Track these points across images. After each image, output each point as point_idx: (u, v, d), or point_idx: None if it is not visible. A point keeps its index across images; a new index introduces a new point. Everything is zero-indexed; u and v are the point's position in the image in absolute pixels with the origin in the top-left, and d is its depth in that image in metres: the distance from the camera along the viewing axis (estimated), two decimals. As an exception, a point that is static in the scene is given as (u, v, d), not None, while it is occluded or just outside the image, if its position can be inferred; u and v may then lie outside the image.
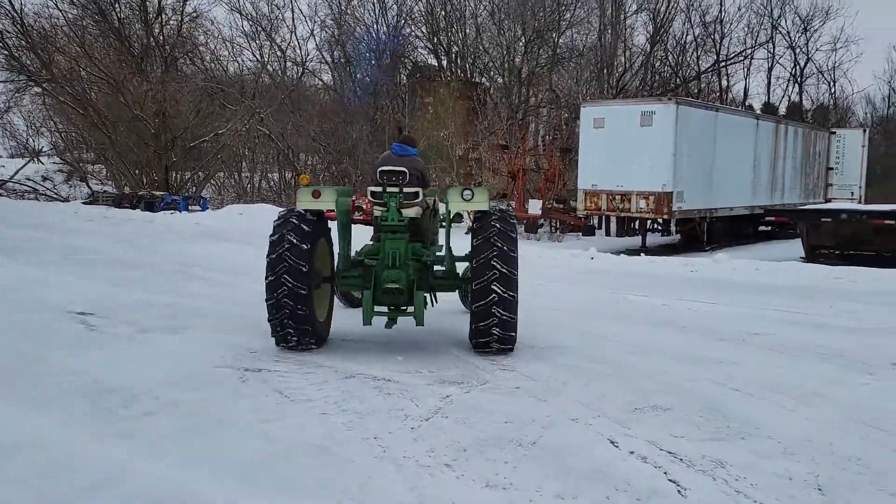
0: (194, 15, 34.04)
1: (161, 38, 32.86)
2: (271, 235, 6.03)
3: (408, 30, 38.31)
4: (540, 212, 20.86)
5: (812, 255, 15.86)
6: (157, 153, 28.78)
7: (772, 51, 39.55)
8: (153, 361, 5.77)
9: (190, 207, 24.76)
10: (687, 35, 38.60)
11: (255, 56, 37.05)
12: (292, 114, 31.90)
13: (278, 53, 36.80)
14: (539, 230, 22.03)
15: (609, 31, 35.92)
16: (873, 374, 5.74)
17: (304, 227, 5.94)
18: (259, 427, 4.32)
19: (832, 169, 26.68)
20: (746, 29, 39.92)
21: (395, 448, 3.99)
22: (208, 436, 4.18)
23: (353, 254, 6.86)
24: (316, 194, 6.07)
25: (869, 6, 56.84)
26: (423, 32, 38.20)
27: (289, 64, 37.23)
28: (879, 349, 6.64)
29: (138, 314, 7.54)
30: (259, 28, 36.29)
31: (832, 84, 40.14)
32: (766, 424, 4.38)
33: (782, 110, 38.20)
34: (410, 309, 6.23)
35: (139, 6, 31.67)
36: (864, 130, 28.68)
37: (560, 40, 34.60)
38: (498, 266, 5.70)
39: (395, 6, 37.81)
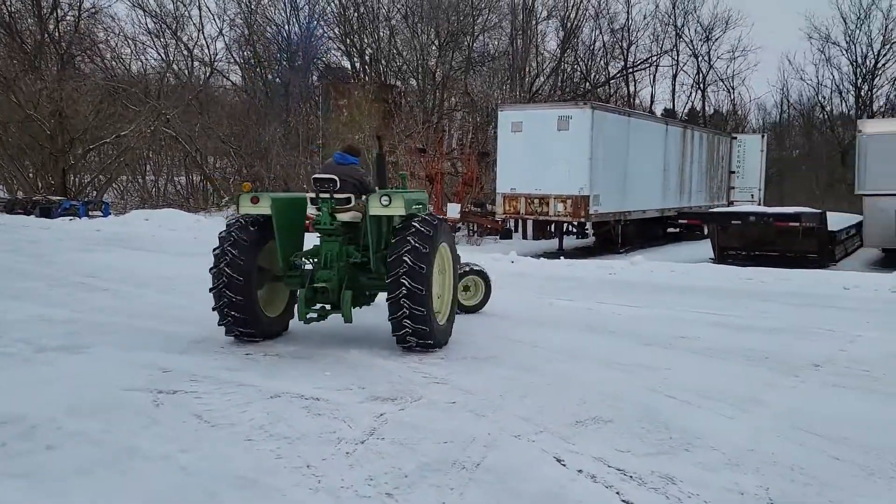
0: (93, 11, 32.34)
1: (57, 34, 30.97)
2: (221, 232, 6.65)
3: (320, 31, 37.66)
4: (458, 215, 20.78)
5: (721, 256, 16.40)
6: (54, 155, 27.07)
7: (676, 58, 41.08)
8: (53, 385, 5.24)
9: (90, 213, 23.39)
10: (596, 41, 39.61)
11: (159, 55, 35.52)
12: (200, 115, 30.73)
13: (185, 52, 35.44)
14: (457, 234, 21.98)
15: (520, 36, 36.39)
16: (798, 376, 5.83)
17: (250, 227, 6.57)
18: (177, 458, 3.93)
19: (734, 172, 27.81)
20: (652, 37, 41.33)
21: (331, 477, 3.69)
22: (119, 470, 3.76)
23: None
24: (254, 200, 6.60)
25: (764, 18, 60.17)
26: (335, 34, 37.65)
27: (196, 63, 35.91)
28: (800, 350, 6.80)
29: (34, 331, 6.91)
30: (164, 26, 34.80)
31: (732, 91, 42.05)
32: (708, 434, 4.32)
33: (685, 116, 39.64)
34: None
35: (32, 0, 29.77)
36: (763, 136, 30.08)
37: (474, 44, 34.77)
38: (408, 261, 6.02)
39: (306, 7, 37.09)
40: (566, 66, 38.75)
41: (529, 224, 21.53)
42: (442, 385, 5.49)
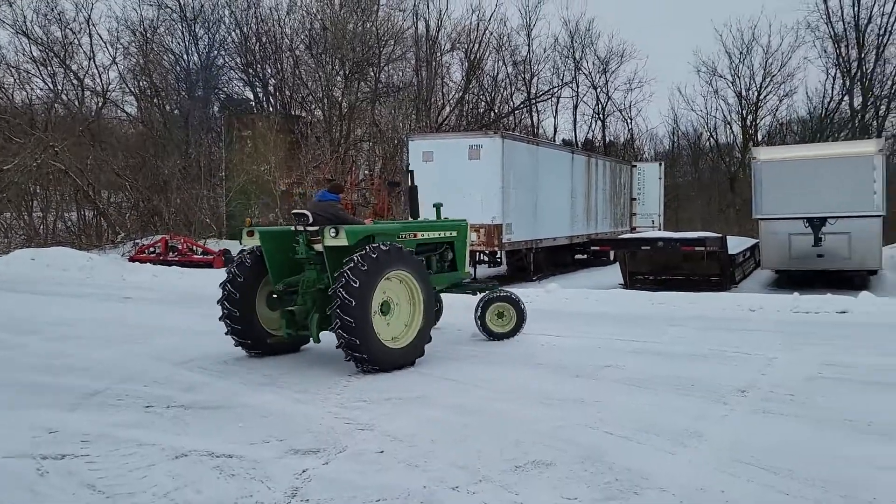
0: (-31, 38, 30.19)
1: (-71, 61, 28.74)
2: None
3: (221, 61, 36.61)
4: (370, 247, 20.38)
5: (631, 282, 16.67)
6: (-75, 192, 24.90)
7: (576, 89, 42.31)
8: (-87, 458, 4.51)
9: (-32, 253, 21.52)
10: (499, 73, 40.31)
11: (46, 84, 33.48)
12: (93, 147, 29.06)
13: (74, 82, 33.54)
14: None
15: (425, 67, 36.62)
16: (727, 403, 5.77)
17: (256, 254, 7.78)
18: (65, 541, 3.38)
19: (635, 199, 28.66)
20: (553, 69, 42.46)
21: (250, 552, 3.24)
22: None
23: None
24: (250, 234, 7.70)
25: (656, 52, 63.23)
26: (237, 63, 36.68)
27: (87, 93, 34.06)
28: (723, 376, 6.79)
29: None
30: (51, 54, 32.88)
31: (629, 121, 43.66)
32: (653, 473, 4.11)
33: (580, 145, 40.76)
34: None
35: None
36: (660, 164, 31.21)
37: (380, 75, 34.68)
38: (340, 293, 6.73)
39: (206, 36, 36.01)
40: (471, 96, 39.24)
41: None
42: (367, 432, 5.09)
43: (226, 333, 7.75)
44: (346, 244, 7.02)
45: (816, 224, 15.25)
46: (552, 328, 9.95)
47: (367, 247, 7.00)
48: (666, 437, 4.80)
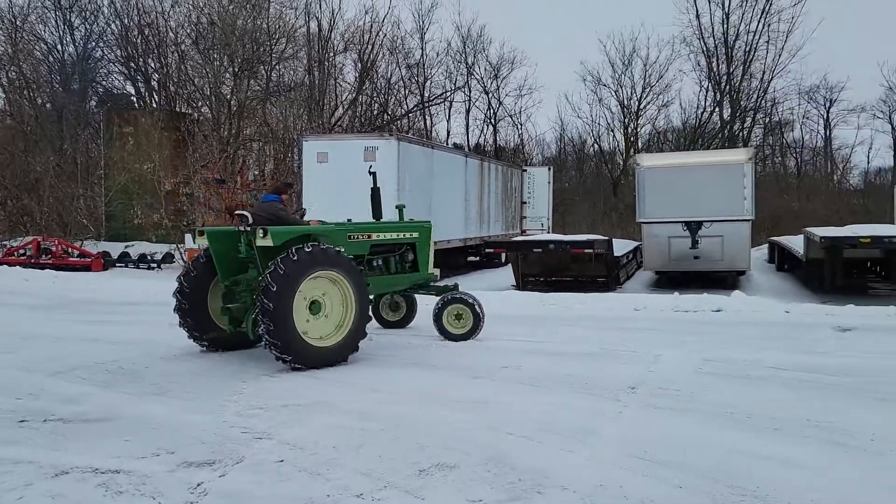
0: None
1: None
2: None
3: (99, 53, 34.60)
4: (262, 249, 19.82)
5: (523, 283, 17.05)
6: None
7: (468, 94, 42.92)
8: None
9: None
10: (393, 75, 40.30)
11: None
12: (-48, 141, 26.76)
13: (-70, 70, 30.80)
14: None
15: (318, 67, 36.06)
16: (620, 400, 5.98)
17: (205, 253, 8.13)
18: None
19: (525, 202, 29.37)
20: (446, 73, 42.92)
21: (143, 574, 3.05)
22: None
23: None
24: (200, 234, 8.03)
25: (546, 61, 65.14)
26: (117, 56, 34.78)
27: (-55, 83, 31.32)
28: (614, 373, 7.03)
29: None
30: None
31: (520, 126, 44.71)
32: (555, 472, 4.19)
33: (470, 148, 41.34)
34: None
35: None
36: (549, 168, 32.13)
37: (271, 74, 33.84)
38: (261, 298, 7.03)
39: (83, 26, 33.95)
40: (365, 98, 38.99)
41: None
42: (266, 440, 4.93)
43: (179, 325, 8.18)
44: (271, 244, 7.32)
45: (693, 227, 16.14)
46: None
47: (290, 249, 7.19)
48: (565, 436, 4.92)
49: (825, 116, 42.50)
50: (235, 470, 4.33)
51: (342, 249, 7.87)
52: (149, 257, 22.38)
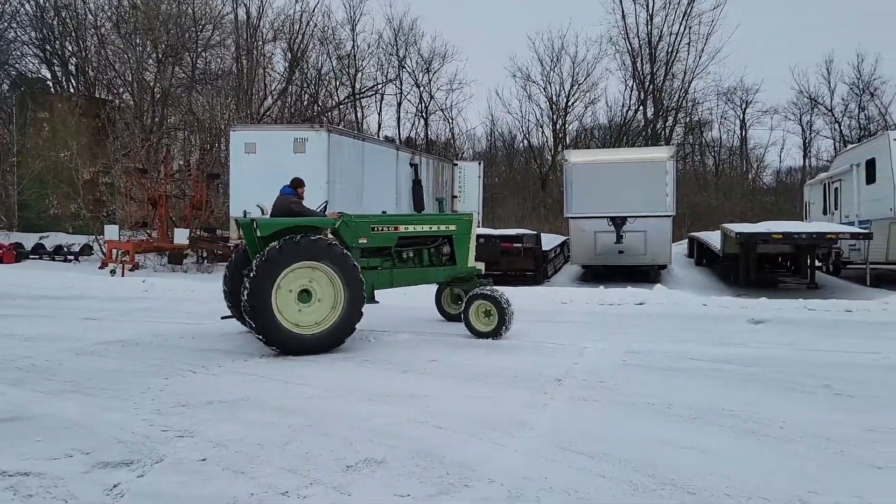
0: None
1: None
2: None
3: (12, 34, 32.84)
4: (186, 241, 19.28)
5: (454, 277, 17.10)
6: None
7: (400, 87, 42.77)
8: None
9: None
10: (323, 66, 39.76)
11: None
12: None
13: None
14: (185, 261, 20.39)
15: (246, 56, 35.24)
16: (547, 392, 6.09)
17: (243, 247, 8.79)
18: None
19: (456, 197, 29.49)
20: (377, 65, 42.65)
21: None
22: None
23: None
24: (236, 224, 8.99)
25: (477, 55, 65.48)
26: (32, 38, 33.10)
27: None
28: (541, 366, 7.15)
29: None
30: None
31: (451, 121, 44.83)
32: (483, 465, 4.23)
33: (401, 142, 41.27)
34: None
35: None
36: (480, 163, 32.34)
37: (197, 61, 32.85)
38: (244, 287, 7.52)
39: (-6, 4, 32.11)
40: (295, 89, 38.34)
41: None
42: (188, 439, 4.79)
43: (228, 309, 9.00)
44: (260, 235, 7.80)
45: (618, 223, 16.56)
46: (380, 324, 9.98)
47: (276, 242, 7.58)
48: (493, 429, 4.96)
49: (741, 117, 44.37)
50: (155, 470, 4.20)
51: (333, 241, 8.04)
52: (65, 249, 21.46)
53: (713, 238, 18.92)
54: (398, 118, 43.34)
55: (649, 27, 38.42)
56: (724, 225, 16.60)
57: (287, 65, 37.67)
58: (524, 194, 41.29)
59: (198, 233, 20.12)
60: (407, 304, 12.38)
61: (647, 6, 38.29)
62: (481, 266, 9.52)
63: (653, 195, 16.31)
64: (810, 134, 43.20)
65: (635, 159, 17.34)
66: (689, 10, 37.60)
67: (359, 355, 7.76)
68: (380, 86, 42.13)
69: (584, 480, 4.00)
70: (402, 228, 9.09)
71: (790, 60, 66.17)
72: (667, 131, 39.56)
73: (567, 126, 41.64)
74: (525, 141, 43.64)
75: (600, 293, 12.92)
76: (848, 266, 17.31)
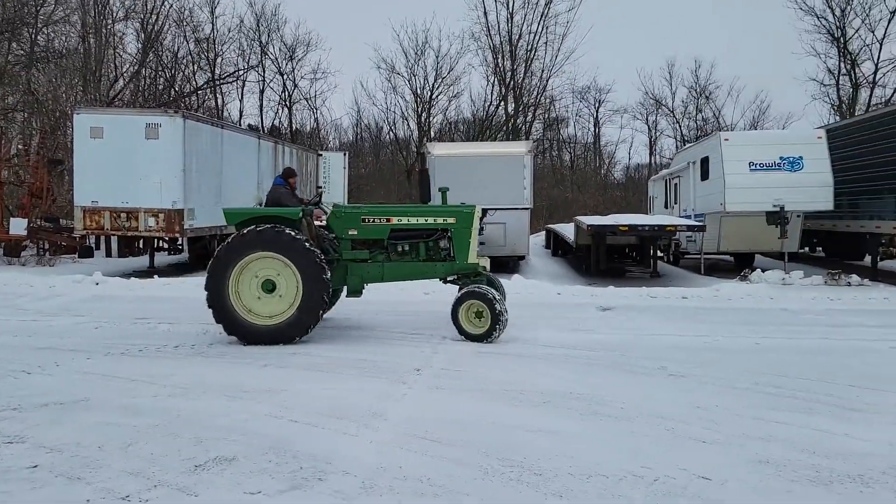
0: None
1: None
2: None
3: None
4: (25, 232, 17.79)
5: (318, 269, 16.89)
6: None
7: (262, 74, 41.49)
8: None
9: None
10: (180, 49, 37.86)
11: None
12: None
13: None
14: (24, 254, 18.80)
15: (94, 34, 32.91)
16: (406, 382, 6.15)
17: None
18: None
19: (321, 188, 29.07)
20: (239, 51, 41.12)
21: None
22: None
23: None
24: None
25: (342, 44, 64.63)
26: None
27: None
28: (402, 356, 7.23)
29: None
30: None
31: (315, 110, 44.04)
32: (338, 457, 4.22)
33: (266, 131, 40.16)
34: None
35: None
36: (345, 153, 32.06)
37: (37, 37, 30.27)
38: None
39: None
40: (149, 72, 36.25)
41: (114, 241, 19.48)
42: (17, 445, 4.45)
43: None
44: (226, 224, 8.20)
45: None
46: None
47: (240, 231, 7.84)
48: (350, 420, 4.96)
49: (595, 115, 46.77)
50: (-22, 480, 3.87)
51: (295, 233, 7.85)
52: None
53: (568, 230, 19.80)
54: (261, 106, 42.13)
55: (510, 25, 39.55)
56: (577, 217, 17.41)
57: (140, 46, 35.55)
58: (390, 186, 41.39)
59: (38, 223, 18.61)
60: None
61: (508, 4, 39.40)
62: (486, 262, 8.89)
63: (512, 188, 16.80)
64: (655, 133, 46.28)
65: (495, 153, 17.80)
66: (546, 11, 39.07)
67: (212, 351, 7.51)
68: (241, 72, 40.72)
69: (438, 467, 4.09)
70: (394, 220, 8.60)
71: (637, 63, 70.36)
72: (527, 126, 40.93)
73: (432, 119, 42.09)
74: (391, 133, 43.71)
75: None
76: (686, 256, 18.71)
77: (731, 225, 15.80)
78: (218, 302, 7.82)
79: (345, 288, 8.79)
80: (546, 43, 39.87)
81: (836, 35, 35.16)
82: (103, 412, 5.15)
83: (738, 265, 17.48)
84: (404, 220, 8.62)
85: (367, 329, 8.96)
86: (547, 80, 40.58)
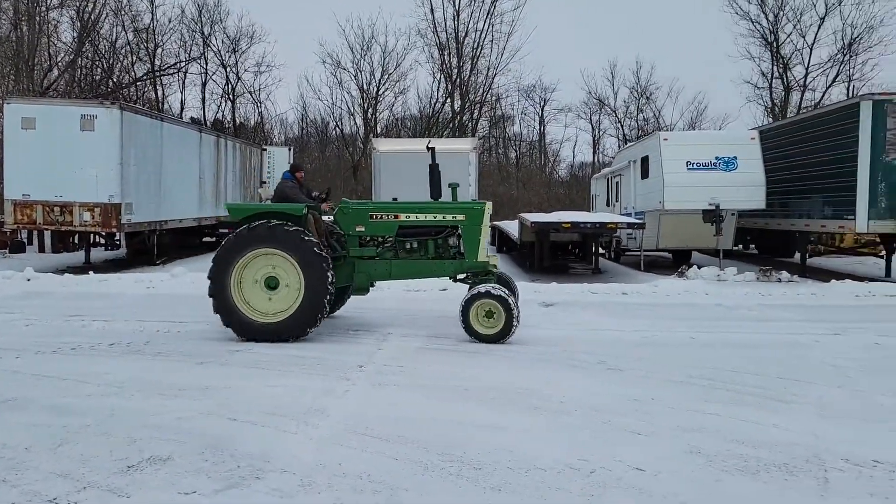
0: None
1: None
2: None
3: None
4: (-52, 227, 17.05)
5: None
6: None
7: (205, 66, 40.56)
8: None
9: None
10: (118, 39, 36.69)
11: None
12: None
13: None
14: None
15: (26, 22, 31.64)
16: (349, 379, 6.12)
17: None
18: None
19: (265, 183, 28.69)
20: (180, 42, 40.11)
21: None
22: None
23: None
24: None
25: (286, 38, 63.66)
26: None
27: None
28: (346, 353, 7.19)
29: None
30: None
31: (259, 104, 43.29)
32: (276, 455, 4.17)
33: (209, 125, 39.31)
34: None
35: None
36: (290, 148, 31.68)
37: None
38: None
39: None
40: (86, 62, 35.04)
41: (48, 235, 18.82)
42: (-63, 448, 4.27)
43: None
44: (232, 219, 8.12)
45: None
46: (180, 314, 9.52)
47: (243, 227, 7.81)
48: (290, 418, 4.92)
49: (540, 114, 47.27)
50: None
51: (300, 230, 7.75)
52: None
53: (512, 227, 19.99)
54: (203, 99, 41.18)
55: (456, 23, 39.62)
56: (521, 215, 17.59)
57: (76, 35, 34.35)
58: (337, 182, 41.02)
59: (-37, 217, 17.83)
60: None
61: (454, 2, 39.44)
62: (496, 261, 8.68)
63: (458, 185, 16.85)
64: (599, 132, 47.02)
65: (440, 150, 17.76)
66: (492, 9, 39.25)
67: (150, 348, 7.33)
68: (182, 64, 39.74)
69: (377, 464, 4.09)
70: (402, 217, 8.49)
71: (581, 64, 71.49)
72: (473, 124, 41.09)
73: (378, 115, 41.88)
74: (337, 128, 43.31)
75: (407, 281, 13.17)
76: (626, 253, 19.11)
77: (669, 223, 16.20)
78: (221, 300, 7.77)
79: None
80: (492, 41, 40.10)
81: (769, 39, 36.38)
82: (32, 412, 4.98)
83: (676, 262, 17.95)
84: (413, 217, 8.52)
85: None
86: (493, 78, 40.82)
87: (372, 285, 8.80)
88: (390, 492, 3.70)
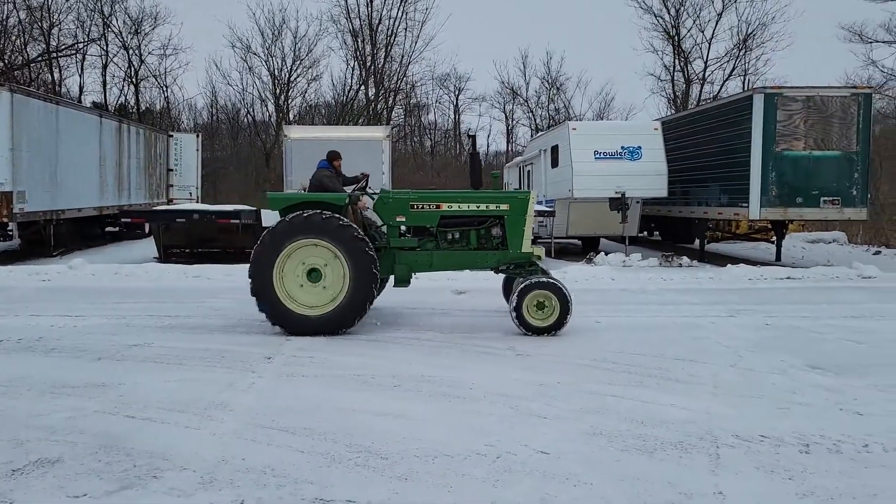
0: None
1: None
2: None
3: None
4: None
5: (166, 255, 16.13)
6: None
7: (105, 48, 38.60)
8: None
9: None
10: (10, 18, 34.46)
11: None
12: None
13: None
14: None
15: None
16: (255, 371, 5.98)
17: None
18: None
19: (172, 170, 27.68)
20: (77, 22, 38.02)
21: None
22: None
23: None
24: None
25: (193, 20, 61.35)
26: None
27: None
28: (253, 345, 7.04)
29: None
30: None
31: (165, 89, 41.61)
32: (175, 453, 4.03)
33: (115, 110, 37.58)
34: None
35: None
36: (198, 135, 30.63)
37: None
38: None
39: None
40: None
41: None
42: None
43: None
44: (272, 210, 8.00)
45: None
46: (77, 308, 9.09)
47: (284, 217, 7.61)
48: (192, 413, 4.77)
49: (455, 103, 47.49)
50: None
51: (341, 219, 7.57)
52: None
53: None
54: (104, 82, 39.21)
55: (370, 9, 39.24)
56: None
57: (-41, 11, 32.03)
58: (249, 170, 39.96)
59: None
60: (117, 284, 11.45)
61: (368, -12, 39.02)
62: (540, 252, 8.41)
63: (371, 173, 16.73)
64: (512, 121, 47.67)
65: (353, 137, 17.65)
66: (406, -4, 39.04)
67: (43, 346, 6.95)
68: (81, 44, 37.70)
69: (282, 457, 4.02)
70: (444, 207, 8.22)
71: (494, 53, 72.20)
72: (388, 112, 40.86)
73: (291, 102, 41.03)
74: (249, 115, 42.16)
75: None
76: (538, 240, 19.46)
77: (578, 210, 16.61)
78: (263, 294, 7.52)
79: (391, 277, 8.47)
80: (406, 28, 39.93)
81: (671, 34, 37.76)
82: None
83: (585, 249, 18.43)
84: (455, 207, 8.29)
85: (211, 317, 8.64)
86: (407, 66, 40.70)
87: (412, 276, 8.52)
88: (294, 485, 3.64)
